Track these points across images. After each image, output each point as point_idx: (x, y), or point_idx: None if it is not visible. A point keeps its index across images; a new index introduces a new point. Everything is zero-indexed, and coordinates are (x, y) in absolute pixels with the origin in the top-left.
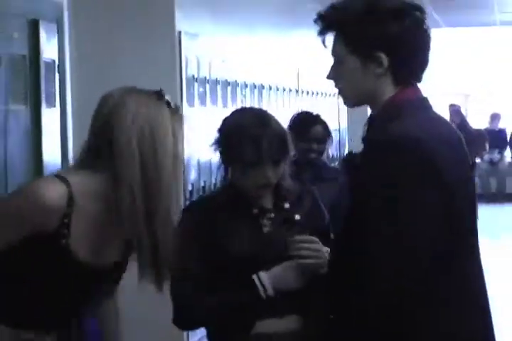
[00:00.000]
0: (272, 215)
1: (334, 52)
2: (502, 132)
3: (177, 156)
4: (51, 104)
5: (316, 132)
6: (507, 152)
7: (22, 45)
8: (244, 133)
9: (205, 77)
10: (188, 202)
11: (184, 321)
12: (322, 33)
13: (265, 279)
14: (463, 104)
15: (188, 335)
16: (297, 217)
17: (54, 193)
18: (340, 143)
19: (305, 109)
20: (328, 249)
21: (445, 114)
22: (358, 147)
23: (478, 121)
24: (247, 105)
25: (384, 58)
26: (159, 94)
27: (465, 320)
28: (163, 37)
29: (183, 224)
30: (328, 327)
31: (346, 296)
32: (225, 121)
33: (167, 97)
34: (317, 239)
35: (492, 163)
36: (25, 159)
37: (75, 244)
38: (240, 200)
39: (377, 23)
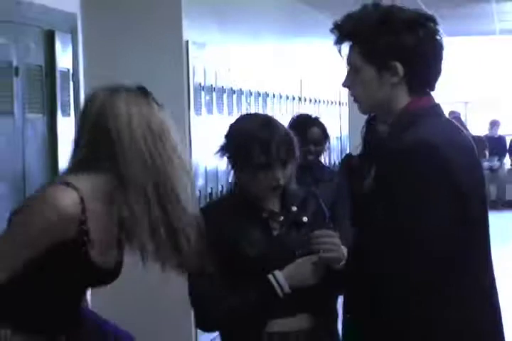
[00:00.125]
0: (281, 218)
1: (350, 61)
2: (501, 139)
3: (177, 148)
4: (66, 112)
5: (314, 134)
6: (506, 159)
7: (38, 56)
8: (253, 137)
9: (212, 85)
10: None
11: (207, 323)
12: (338, 42)
13: (280, 278)
14: (462, 111)
15: (196, 334)
16: (305, 219)
17: (70, 201)
18: (341, 151)
19: None
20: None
21: None
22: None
23: (477, 128)
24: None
25: (399, 68)
26: (144, 91)
27: (475, 315)
28: (171, 46)
29: None
30: (346, 326)
31: (364, 295)
32: (232, 126)
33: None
34: (336, 234)
35: (492, 170)
36: (42, 166)
37: (92, 250)
38: (249, 204)
39: (392, 33)
